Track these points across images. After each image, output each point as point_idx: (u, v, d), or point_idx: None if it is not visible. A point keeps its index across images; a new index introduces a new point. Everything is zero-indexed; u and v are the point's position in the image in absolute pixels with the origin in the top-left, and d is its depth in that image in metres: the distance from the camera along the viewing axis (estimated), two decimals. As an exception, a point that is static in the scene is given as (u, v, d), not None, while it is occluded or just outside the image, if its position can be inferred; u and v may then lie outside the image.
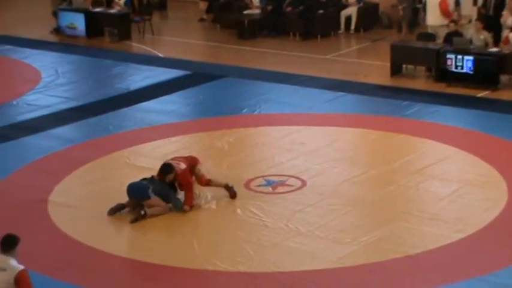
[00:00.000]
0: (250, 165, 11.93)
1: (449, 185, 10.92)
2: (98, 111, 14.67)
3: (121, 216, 10.42)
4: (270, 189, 11.10)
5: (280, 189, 11.08)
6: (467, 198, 10.54)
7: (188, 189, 10.53)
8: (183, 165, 10.58)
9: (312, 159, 12.03)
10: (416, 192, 10.85)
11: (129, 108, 14.93)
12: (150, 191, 10.38)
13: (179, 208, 10.47)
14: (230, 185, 10.86)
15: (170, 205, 10.52)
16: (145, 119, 14.20)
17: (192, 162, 10.80)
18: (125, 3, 21.11)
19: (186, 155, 11.14)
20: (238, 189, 10.96)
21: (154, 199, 10.42)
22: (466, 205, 10.35)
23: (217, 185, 10.89)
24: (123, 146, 12.65)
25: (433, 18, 17.14)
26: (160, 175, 10.54)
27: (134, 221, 10.28)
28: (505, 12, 16.61)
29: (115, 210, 10.46)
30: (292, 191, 11.00)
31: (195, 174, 10.76)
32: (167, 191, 10.54)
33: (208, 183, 10.84)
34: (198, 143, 13.00)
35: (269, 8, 20.73)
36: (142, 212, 10.30)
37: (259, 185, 11.19)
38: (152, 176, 10.59)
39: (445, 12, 16.77)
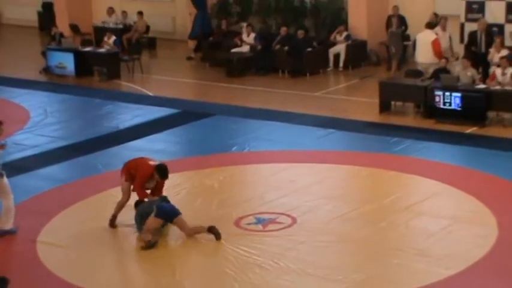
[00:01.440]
0: (240, 203, 11.91)
1: (438, 222, 10.92)
2: (87, 151, 14.65)
3: (110, 255, 10.34)
4: (260, 227, 11.06)
5: (270, 227, 11.04)
6: (457, 235, 10.53)
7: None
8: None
9: (302, 197, 12.02)
10: (406, 228, 10.84)
11: (119, 147, 14.92)
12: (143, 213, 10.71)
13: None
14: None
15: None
16: (135, 157, 14.15)
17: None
18: (114, 43, 21.23)
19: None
20: (229, 227, 10.93)
21: (151, 221, 10.55)
22: (456, 242, 10.33)
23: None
24: (112, 185, 12.59)
25: (424, 56, 17.28)
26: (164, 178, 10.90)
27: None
28: (492, 50, 16.80)
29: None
30: (283, 228, 10.96)
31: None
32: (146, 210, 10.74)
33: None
34: (188, 181, 12.98)
35: (259, 46, 20.88)
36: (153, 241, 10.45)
37: (250, 223, 11.16)
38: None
39: (437, 52, 16.94)
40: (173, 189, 12.02)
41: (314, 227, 10.91)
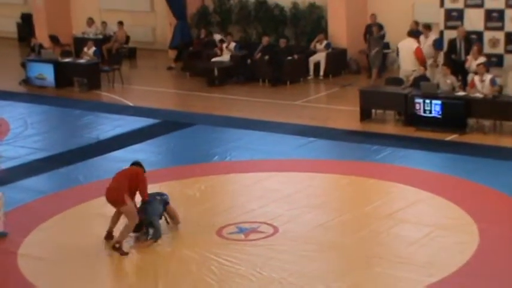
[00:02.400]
0: (222, 213, 11.88)
1: (420, 229, 10.94)
2: (67, 162, 14.58)
3: (91, 267, 10.29)
4: (242, 236, 11.04)
5: (252, 236, 11.02)
6: (438, 242, 10.55)
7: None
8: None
9: (284, 206, 12.01)
10: (388, 236, 10.85)
11: (99, 157, 14.86)
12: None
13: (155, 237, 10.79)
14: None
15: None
16: (116, 168, 14.00)
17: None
18: (94, 53, 21.16)
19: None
20: (211, 236, 10.91)
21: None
22: (438, 249, 10.36)
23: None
24: (93, 196, 12.54)
25: (407, 64, 17.38)
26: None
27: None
28: (469, 57, 16.90)
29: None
30: (265, 237, 10.95)
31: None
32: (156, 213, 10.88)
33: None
34: (169, 191, 12.87)
35: (241, 54, 20.89)
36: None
37: (231, 232, 11.13)
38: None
39: (420, 59, 17.05)
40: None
41: (296, 236, 10.91)
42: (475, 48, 16.84)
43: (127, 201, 10.66)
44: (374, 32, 19.68)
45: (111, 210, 11.34)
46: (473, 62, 16.59)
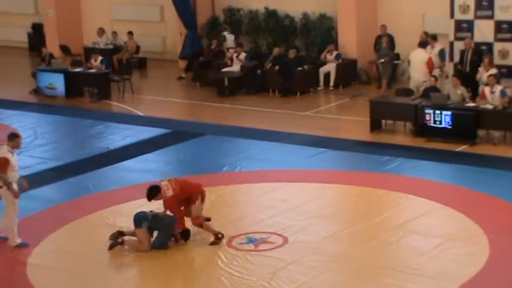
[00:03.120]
0: (232, 223, 11.87)
1: (430, 240, 10.91)
2: (77, 171, 14.60)
3: (101, 277, 10.30)
4: (252, 246, 11.03)
5: (262, 246, 11.01)
6: (449, 253, 10.52)
7: (174, 213, 10.88)
8: (170, 193, 10.84)
9: (294, 216, 11.99)
10: (398, 247, 10.82)
11: (109, 167, 14.88)
12: (144, 222, 10.82)
13: (160, 246, 10.83)
14: (220, 235, 11.04)
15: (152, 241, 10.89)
16: (126, 178, 14.16)
17: (187, 192, 10.99)
18: (101, 62, 21.20)
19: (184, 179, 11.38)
20: (221, 247, 10.91)
21: (141, 232, 10.80)
22: (448, 260, 10.32)
23: (209, 230, 11.10)
24: (103, 206, 12.57)
25: (417, 74, 17.39)
26: (148, 198, 10.96)
27: (111, 247, 10.82)
28: (480, 69, 16.88)
29: (113, 245, 10.88)
30: (274, 248, 10.93)
31: (189, 210, 11.03)
32: (163, 226, 10.88)
33: (200, 224, 11.04)
34: (179, 201, 12.93)
35: (251, 65, 20.92)
36: (120, 240, 10.81)
37: (241, 243, 11.12)
38: (158, 213, 11.03)
39: (431, 70, 17.09)
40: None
41: (305, 247, 10.88)
42: (486, 60, 16.82)
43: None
44: (383, 43, 19.67)
45: (122, 219, 11.38)
46: (484, 74, 16.57)
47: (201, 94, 20.88)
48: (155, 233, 11.00)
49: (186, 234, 11.03)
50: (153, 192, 10.91)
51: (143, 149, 15.89)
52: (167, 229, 10.95)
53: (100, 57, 21.26)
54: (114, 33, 24.66)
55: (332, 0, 21.34)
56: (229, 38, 22.56)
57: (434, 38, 18.37)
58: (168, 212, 10.98)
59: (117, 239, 10.94)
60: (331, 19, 21.67)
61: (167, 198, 10.84)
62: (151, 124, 17.81)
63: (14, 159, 11.24)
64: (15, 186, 11.16)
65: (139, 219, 10.96)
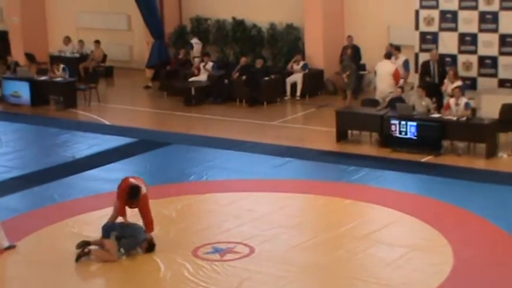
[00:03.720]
0: (198, 233, 11.86)
1: (396, 250, 10.99)
2: (43, 180, 14.49)
3: (69, 286, 10.22)
4: (218, 256, 11.02)
5: (228, 256, 11.01)
6: (414, 263, 10.60)
7: (148, 211, 11.01)
8: (144, 189, 11.00)
9: (260, 226, 12.01)
10: (364, 257, 10.89)
11: (75, 176, 14.78)
12: (113, 232, 10.82)
13: (129, 248, 10.88)
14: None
15: (121, 252, 10.85)
16: (91, 187, 14.08)
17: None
18: (63, 70, 21.05)
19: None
20: (187, 256, 10.87)
21: (109, 242, 10.78)
22: (413, 270, 10.40)
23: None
24: (68, 215, 12.49)
25: (383, 85, 17.54)
26: (129, 199, 10.88)
27: (78, 258, 10.74)
28: (446, 81, 17.08)
29: (80, 256, 10.82)
30: (241, 258, 10.93)
31: None
32: (131, 234, 10.91)
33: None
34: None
35: (218, 74, 20.94)
36: (86, 250, 10.77)
37: (207, 252, 11.11)
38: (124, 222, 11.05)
39: (398, 81, 17.25)
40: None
41: (272, 257, 10.90)
42: (451, 72, 17.03)
43: None
44: (347, 54, 19.75)
45: (87, 229, 11.30)
46: (449, 86, 16.77)
47: (167, 103, 20.85)
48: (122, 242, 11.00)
49: (151, 248, 11.04)
50: (137, 191, 10.91)
51: (109, 158, 15.82)
52: (136, 235, 10.94)
53: (62, 66, 21.12)
54: (81, 41, 24.54)
55: (299, 11, 21.46)
56: (197, 47, 22.58)
57: (397, 49, 18.56)
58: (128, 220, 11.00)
59: (83, 249, 10.87)
60: (298, 29, 21.79)
61: (146, 194, 10.94)
62: (117, 133, 17.73)
63: None
64: None
65: (108, 229, 10.93)
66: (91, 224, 12.10)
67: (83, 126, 18.60)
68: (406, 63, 18.41)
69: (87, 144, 16.90)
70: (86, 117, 19.67)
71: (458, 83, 16.74)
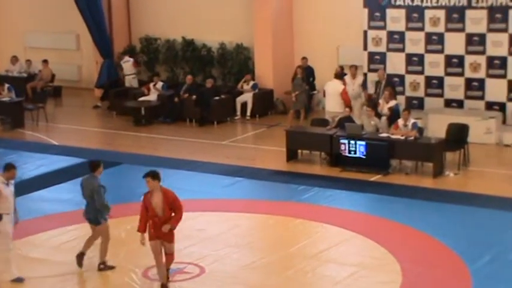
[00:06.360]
0: (148, 253, 11.72)
1: (345, 269, 11.06)
2: (-11, 201, 14.22)
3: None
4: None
5: (178, 277, 10.95)
6: (362, 282, 10.68)
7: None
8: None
9: (210, 246, 11.99)
10: (314, 276, 10.93)
11: (22, 197, 14.45)
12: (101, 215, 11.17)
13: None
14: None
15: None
16: (39, 208, 13.89)
17: None
18: (9, 90, 20.76)
19: None
20: (136, 277, 10.78)
21: (103, 226, 11.07)
22: (362, 288, 10.50)
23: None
24: (15, 237, 12.21)
25: (333, 105, 17.69)
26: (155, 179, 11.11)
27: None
28: (381, 101, 17.27)
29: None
30: (191, 278, 10.90)
31: None
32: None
33: None
34: (94, 231, 12.75)
35: (168, 94, 20.88)
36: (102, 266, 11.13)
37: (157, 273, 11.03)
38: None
39: (346, 101, 17.40)
40: (80, 239, 11.79)
41: (222, 277, 10.89)
42: (386, 92, 17.22)
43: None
44: (297, 74, 19.75)
45: (34, 250, 11.11)
46: (385, 106, 16.98)
47: (117, 123, 20.72)
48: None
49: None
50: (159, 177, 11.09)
51: (57, 179, 15.64)
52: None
53: (7, 85, 20.81)
54: (28, 61, 24.29)
55: (249, 31, 21.58)
56: (127, 66, 22.51)
57: (355, 67, 18.75)
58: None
59: (81, 260, 11.07)
60: (248, 49, 21.89)
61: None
62: (66, 153, 17.56)
63: (9, 190, 10.87)
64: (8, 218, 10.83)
65: (95, 215, 11.22)
66: (38, 246, 11.95)
67: (30, 147, 18.38)
68: (364, 83, 18.64)
69: (34, 165, 16.70)
70: (34, 138, 19.44)
71: (393, 103, 16.95)
